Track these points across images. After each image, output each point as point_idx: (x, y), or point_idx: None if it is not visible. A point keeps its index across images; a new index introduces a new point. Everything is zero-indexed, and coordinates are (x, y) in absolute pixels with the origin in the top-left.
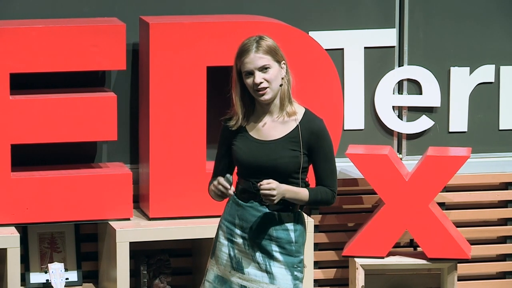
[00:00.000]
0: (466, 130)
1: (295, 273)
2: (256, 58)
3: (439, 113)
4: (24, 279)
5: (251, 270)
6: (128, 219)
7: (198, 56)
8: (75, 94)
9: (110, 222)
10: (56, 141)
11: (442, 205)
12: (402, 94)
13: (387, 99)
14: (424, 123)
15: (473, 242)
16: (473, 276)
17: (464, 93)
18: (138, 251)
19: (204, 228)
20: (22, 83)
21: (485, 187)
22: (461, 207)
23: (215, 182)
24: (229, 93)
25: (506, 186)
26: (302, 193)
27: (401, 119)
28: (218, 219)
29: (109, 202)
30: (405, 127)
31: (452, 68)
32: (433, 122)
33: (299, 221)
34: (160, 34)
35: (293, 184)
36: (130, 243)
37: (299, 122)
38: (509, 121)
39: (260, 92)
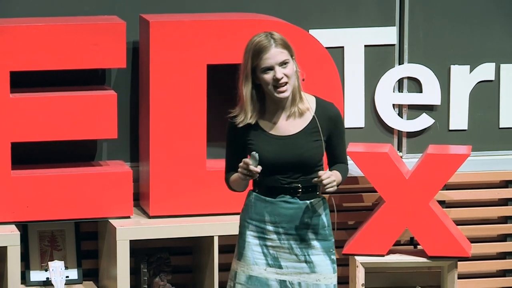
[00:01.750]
0: (466, 128)
1: (332, 256)
2: (277, 53)
3: (439, 111)
4: (24, 277)
5: (289, 264)
6: (128, 217)
7: (198, 54)
8: (75, 92)
9: (110, 220)
10: (56, 139)
11: (442, 203)
12: (402, 92)
13: (387, 97)
14: (424, 121)
15: (473, 240)
16: (473, 274)
17: (464, 91)
18: (138, 249)
19: (204, 226)
20: (23, 81)
21: (485, 185)
22: (461, 205)
23: (241, 164)
24: (235, 91)
25: (506, 184)
26: (340, 174)
27: (401, 117)
28: (218, 217)
29: (109, 200)
30: (405, 125)
31: (452, 66)
32: (433, 120)
33: (325, 204)
34: (160, 32)
35: (316, 172)
36: (130, 241)
37: (315, 113)
38: (509, 119)
39: (280, 88)
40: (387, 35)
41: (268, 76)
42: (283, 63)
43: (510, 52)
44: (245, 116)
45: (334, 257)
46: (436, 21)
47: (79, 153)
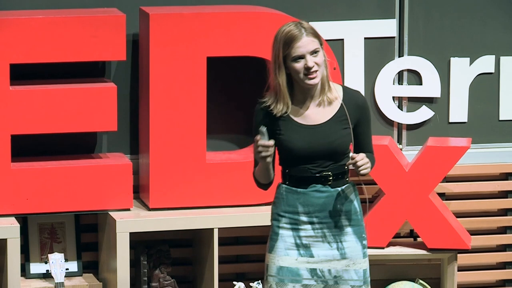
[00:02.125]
0: (466, 120)
1: (363, 242)
2: (309, 42)
3: (439, 103)
4: (24, 269)
5: (320, 252)
6: (128, 210)
7: (198, 46)
8: (75, 84)
9: (110, 213)
10: (56, 131)
11: (442, 195)
12: (402, 84)
13: (387, 89)
14: (424, 113)
15: (473, 232)
16: (473, 266)
17: (464, 84)
18: (138, 241)
19: (204, 219)
20: (22, 74)
21: (485, 178)
22: (461, 197)
23: (254, 144)
24: (267, 84)
25: (506, 176)
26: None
27: (401, 110)
28: (218, 209)
29: (109, 193)
30: (405, 117)
31: (452, 59)
32: (433, 113)
33: (355, 190)
34: (160, 25)
35: (345, 160)
36: (130, 233)
37: (343, 101)
38: (509, 112)
39: (311, 76)
40: (387, 27)
41: (299, 65)
42: (314, 52)
43: (510, 45)
44: (284, 105)
45: (365, 242)
46: (436, 14)
47: (79, 145)
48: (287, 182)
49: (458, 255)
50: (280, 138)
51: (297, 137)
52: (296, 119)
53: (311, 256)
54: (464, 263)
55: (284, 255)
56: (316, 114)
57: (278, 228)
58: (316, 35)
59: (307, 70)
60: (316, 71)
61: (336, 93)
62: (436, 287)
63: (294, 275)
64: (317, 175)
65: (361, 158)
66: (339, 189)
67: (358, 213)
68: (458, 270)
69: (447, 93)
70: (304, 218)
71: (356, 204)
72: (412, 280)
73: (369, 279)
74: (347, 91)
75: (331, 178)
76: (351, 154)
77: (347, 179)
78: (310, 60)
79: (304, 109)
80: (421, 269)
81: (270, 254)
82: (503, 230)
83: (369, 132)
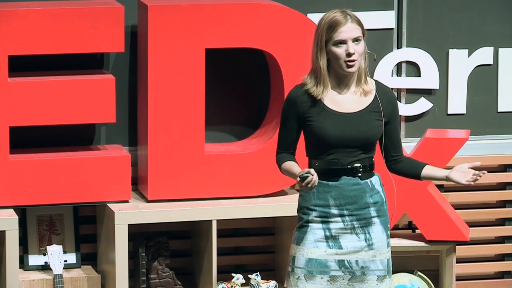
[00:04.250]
0: (464, 112)
1: (388, 232)
2: (353, 28)
3: (438, 95)
4: (22, 261)
5: (349, 244)
6: (127, 201)
7: (197, 38)
8: (74, 76)
9: (108, 205)
10: (55, 123)
11: (440, 187)
12: (400, 76)
13: (385, 81)
14: (422, 105)
15: (472, 224)
16: (471, 258)
17: (463, 75)
18: (137, 233)
19: (202, 210)
20: (21, 65)
21: (484, 169)
22: (459, 189)
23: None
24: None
25: (505, 168)
26: None
27: (400, 101)
28: (216, 201)
29: (107, 185)
30: (404, 109)
31: (450, 50)
32: (432, 104)
33: (381, 181)
34: (158, 16)
35: (372, 152)
36: (129, 225)
37: (376, 93)
38: (508, 103)
39: (350, 63)
40: (386, 19)
41: (340, 50)
42: (356, 40)
43: (509, 36)
44: (324, 87)
45: (389, 232)
46: (434, 5)
47: (77, 137)
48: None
49: (457, 247)
50: (311, 125)
51: (329, 123)
52: (330, 106)
53: (340, 247)
54: (463, 255)
55: (314, 247)
56: (350, 102)
57: (308, 221)
58: (360, 24)
59: (348, 56)
60: (355, 60)
61: (371, 85)
62: (435, 279)
63: (322, 267)
64: (347, 167)
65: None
66: (368, 181)
67: (384, 203)
68: (457, 262)
69: (446, 85)
70: (335, 211)
71: (383, 195)
72: (411, 272)
73: (391, 268)
74: (379, 85)
75: (361, 169)
76: (476, 163)
77: (373, 171)
78: (351, 47)
79: (339, 97)
80: (419, 261)
81: (298, 246)
82: (501, 222)
83: (399, 128)
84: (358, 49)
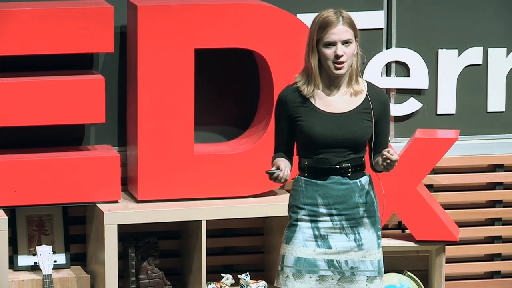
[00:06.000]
0: (454, 112)
1: (378, 232)
2: (343, 31)
3: (427, 95)
4: (12, 261)
5: (338, 243)
6: (116, 202)
7: (186, 38)
8: (63, 76)
9: (98, 205)
10: (44, 123)
11: (430, 187)
12: (390, 76)
13: (375, 81)
14: (412, 105)
15: (461, 224)
16: (461, 258)
17: (452, 75)
18: (126, 233)
19: (192, 211)
20: (10, 66)
21: (473, 169)
22: (449, 189)
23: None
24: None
25: (494, 168)
26: None
27: (389, 101)
28: (206, 201)
29: (97, 185)
30: (393, 109)
31: (440, 50)
32: (421, 104)
33: (371, 181)
34: (148, 17)
35: (363, 152)
36: (118, 225)
37: (368, 93)
38: (497, 103)
39: (338, 65)
40: (375, 19)
41: (329, 51)
42: (346, 42)
43: (498, 36)
44: (314, 86)
45: (380, 232)
46: (424, 5)
47: (66, 137)
48: (306, 174)
49: (446, 247)
50: (300, 124)
51: (319, 123)
52: (319, 106)
53: (329, 247)
54: (452, 255)
55: (302, 246)
56: (340, 103)
57: (297, 220)
58: (352, 26)
59: (336, 58)
60: (344, 62)
61: (363, 86)
62: (424, 279)
63: (311, 266)
64: (336, 166)
65: (396, 154)
66: (357, 181)
67: (374, 204)
68: (446, 262)
69: (435, 85)
70: (323, 210)
71: (373, 195)
72: (400, 272)
73: (383, 269)
74: (371, 86)
75: (350, 170)
76: (385, 150)
77: (364, 171)
78: (340, 49)
79: (328, 97)
80: (409, 261)
81: (288, 245)
82: (491, 222)
83: (388, 130)
84: (347, 52)
